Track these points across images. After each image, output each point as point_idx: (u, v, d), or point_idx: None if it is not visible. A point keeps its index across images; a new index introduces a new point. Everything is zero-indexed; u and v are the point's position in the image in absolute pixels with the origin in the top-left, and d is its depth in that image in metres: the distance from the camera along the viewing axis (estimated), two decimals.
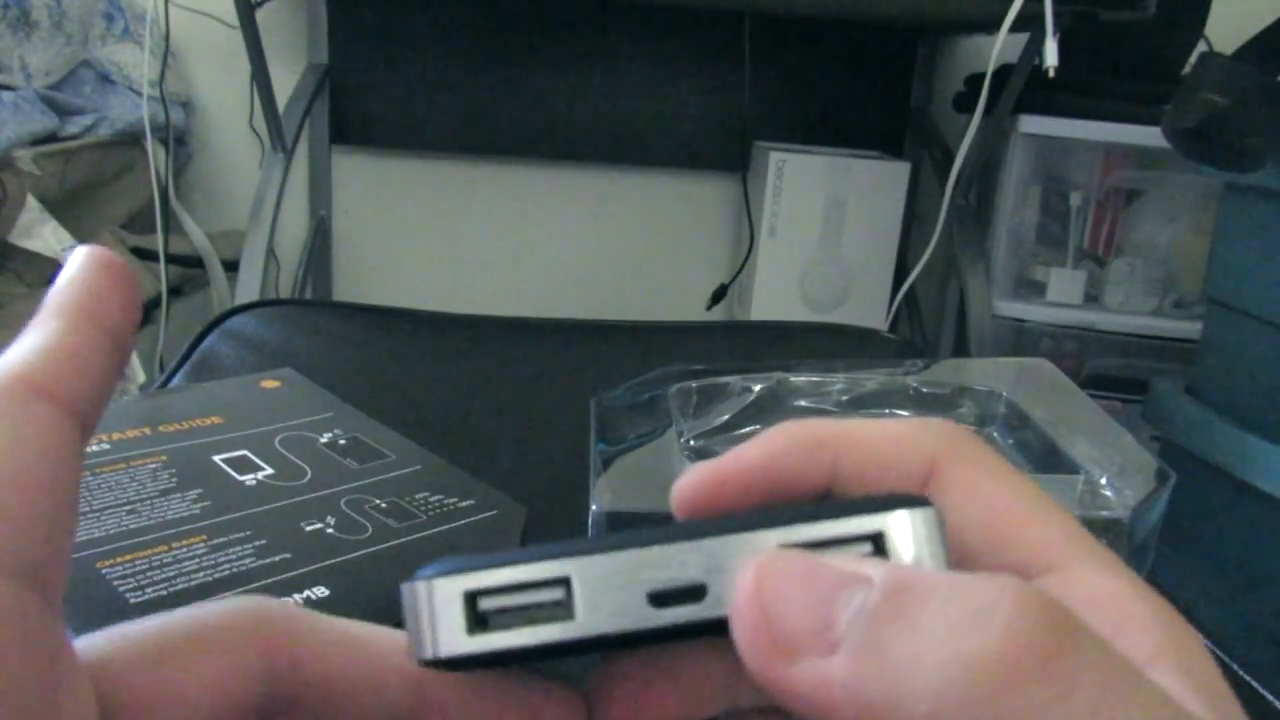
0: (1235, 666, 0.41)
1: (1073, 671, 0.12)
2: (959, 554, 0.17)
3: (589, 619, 0.15)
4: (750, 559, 0.15)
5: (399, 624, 0.17)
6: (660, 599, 0.15)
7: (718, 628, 0.15)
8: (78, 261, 0.18)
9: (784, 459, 0.18)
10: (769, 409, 0.52)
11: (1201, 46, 1.39)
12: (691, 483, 0.18)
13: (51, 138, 1.19)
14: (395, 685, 0.17)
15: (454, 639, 0.16)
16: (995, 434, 0.51)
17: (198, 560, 0.39)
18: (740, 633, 0.14)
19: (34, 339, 0.16)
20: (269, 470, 0.46)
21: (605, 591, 0.15)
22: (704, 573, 0.15)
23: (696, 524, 0.16)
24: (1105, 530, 0.40)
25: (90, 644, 0.16)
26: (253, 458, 0.48)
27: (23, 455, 0.14)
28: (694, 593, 0.15)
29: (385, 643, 0.18)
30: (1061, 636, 0.13)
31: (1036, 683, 0.12)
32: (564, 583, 0.15)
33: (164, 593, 0.37)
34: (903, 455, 0.18)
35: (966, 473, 0.18)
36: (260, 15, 1.23)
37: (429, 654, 0.16)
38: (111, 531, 0.40)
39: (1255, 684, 0.40)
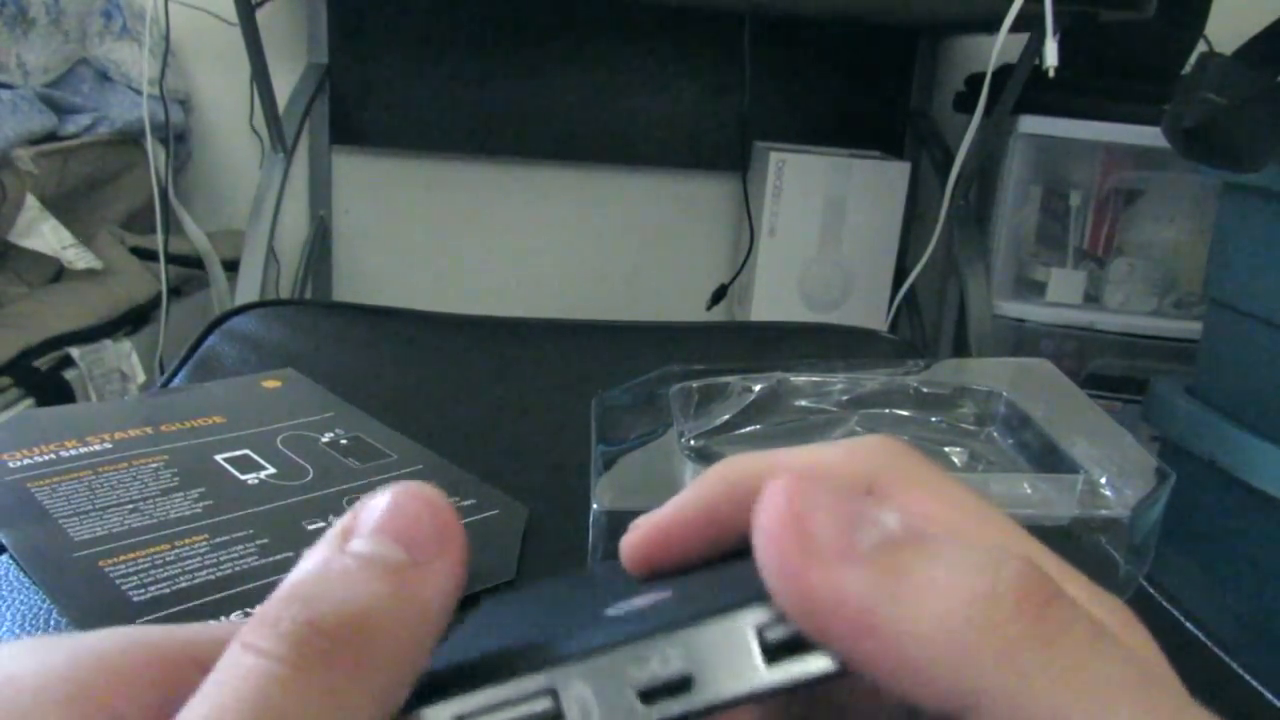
0: (1235, 666, 0.41)
1: (1059, 624, 0.14)
2: None
3: None
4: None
5: None
6: (649, 695, 0.15)
7: (710, 711, 0.15)
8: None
9: (719, 501, 0.18)
10: (769, 409, 0.52)
11: (1201, 46, 1.39)
12: (637, 541, 0.19)
13: (50, 137, 1.19)
14: None
15: None
16: (995, 434, 0.51)
17: (200, 559, 0.39)
18: (767, 540, 0.15)
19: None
20: (271, 469, 0.47)
21: (594, 697, 0.15)
22: (687, 664, 0.15)
23: (666, 606, 0.17)
24: (1105, 530, 0.40)
25: None
26: (254, 457, 0.48)
27: None
28: (683, 684, 0.15)
29: None
30: (1053, 597, 0.14)
31: (1028, 627, 0.14)
32: (550, 692, 0.16)
33: (166, 590, 0.37)
34: (838, 473, 0.18)
35: (905, 486, 0.18)
36: (260, 15, 1.23)
37: None
38: (114, 530, 0.40)
39: (1255, 684, 0.40)
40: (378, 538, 0.16)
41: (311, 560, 0.16)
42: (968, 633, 0.14)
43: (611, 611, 0.17)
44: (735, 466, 0.19)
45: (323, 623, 0.14)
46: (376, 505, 0.17)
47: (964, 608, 0.14)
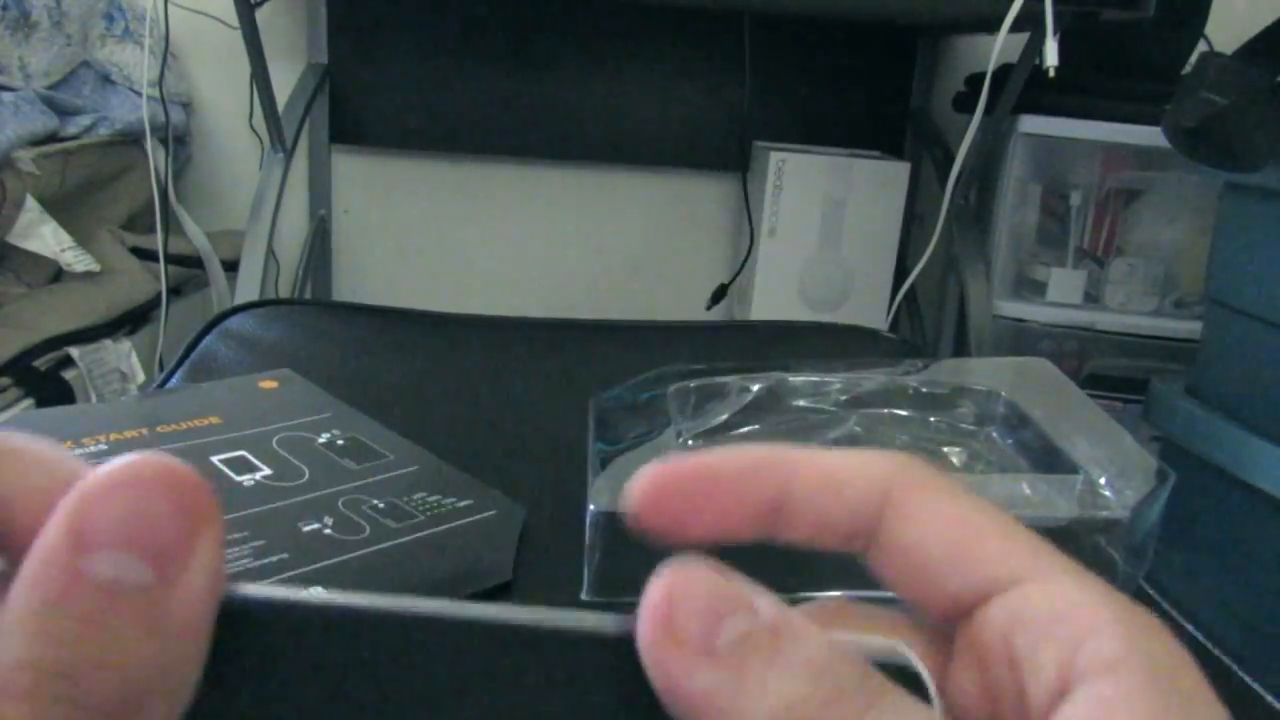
0: (1235, 666, 0.41)
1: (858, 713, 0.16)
2: (923, 575, 0.18)
3: None
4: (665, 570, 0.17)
5: None
6: None
7: None
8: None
9: (739, 471, 0.19)
10: (768, 409, 0.52)
11: (1201, 46, 1.39)
12: (653, 482, 0.19)
13: (51, 138, 1.19)
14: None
15: None
16: (995, 434, 0.51)
17: None
18: (645, 625, 0.16)
19: None
20: (267, 471, 0.46)
21: None
22: None
23: None
24: (1105, 530, 0.40)
25: None
26: (251, 458, 0.48)
27: None
28: None
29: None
30: (869, 696, 0.16)
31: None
32: None
33: None
34: (855, 482, 0.19)
35: (924, 496, 0.18)
36: (260, 15, 1.23)
37: None
38: None
39: (1255, 684, 0.40)
40: (117, 556, 0.14)
41: (46, 584, 0.14)
42: None
43: None
44: (759, 447, 0.19)
45: (81, 697, 0.13)
46: (110, 503, 0.14)
47: (786, 710, 0.16)
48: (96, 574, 0.14)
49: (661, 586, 0.16)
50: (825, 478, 0.19)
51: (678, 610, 0.16)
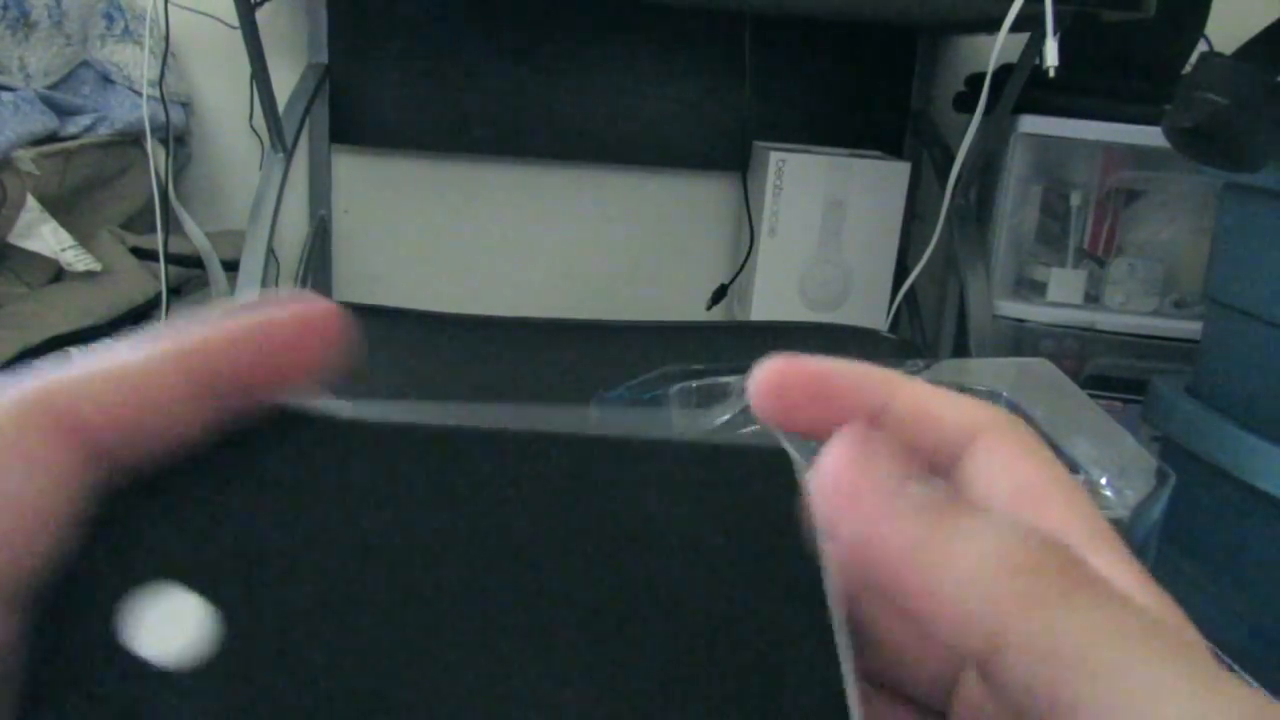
0: (1234, 667, 0.41)
1: (1078, 581, 0.15)
2: None
3: None
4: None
5: None
6: None
7: None
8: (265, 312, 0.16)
9: (851, 379, 0.20)
10: None
11: (1201, 46, 1.39)
12: (777, 370, 0.20)
13: (51, 138, 1.19)
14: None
15: None
16: None
17: None
18: (835, 473, 0.16)
19: (94, 363, 0.15)
20: None
21: None
22: None
23: None
24: None
25: None
26: None
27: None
28: None
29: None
30: (1073, 563, 0.15)
31: (1050, 582, 0.15)
32: None
33: None
34: (950, 416, 0.19)
35: (1006, 447, 0.19)
36: (260, 15, 1.23)
37: None
38: None
39: (1255, 684, 0.40)
40: None
41: None
42: (997, 581, 0.15)
43: None
44: (869, 365, 0.20)
45: None
46: None
47: (995, 560, 0.15)
48: None
49: (849, 439, 0.16)
50: (924, 406, 0.20)
51: (872, 458, 0.16)
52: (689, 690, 0.14)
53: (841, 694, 0.15)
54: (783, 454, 0.17)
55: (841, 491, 0.16)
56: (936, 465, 0.19)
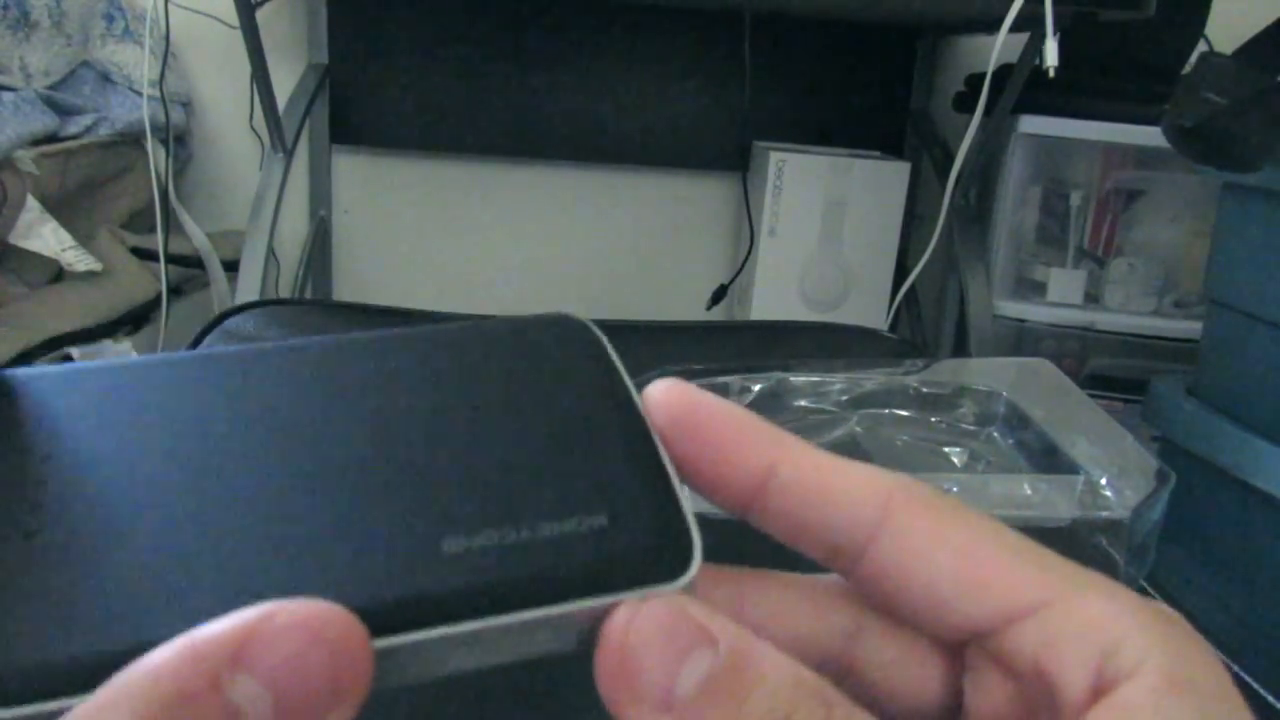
0: (1235, 667, 0.41)
1: None
2: (928, 601, 0.18)
3: None
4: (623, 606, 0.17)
5: None
6: None
7: None
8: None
9: (733, 425, 0.19)
10: (769, 409, 0.52)
11: (1201, 46, 1.39)
12: (673, 398, 0.19)
13: (52, 138, 1.19)
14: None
15: None
16: (995, 434, 0.51)
17: None
18: (603, 674, 0.16)
19: None
20: None
21: None
22: None
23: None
24: (1106, 531, 0.40)
25: None
26: None
27: None
28: None
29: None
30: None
31: None
32: None
33: None
34: (852, 494, 0.18)
35: (926, 517, 0.18)
36: (260, 15, 1.23)
37: None
38: None
39: (1255, 685, 0.40)
40: (257, 691, 0.14)
41: (182, 678, 0.14)
42: None
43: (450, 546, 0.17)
44: (760, 426, 0.19)
45: None
46: (284, 640, 0.14)
47: None
48: (232, 694, 0.14)
49: (620, 625, 0.16)
50: (816, 480, 0.18)
51: (636, 657, 0.16)
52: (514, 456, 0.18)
53: (653, 444, 0.18)
54: (586, 324, 0.19)
55: (611, 695, 0.16)
56: (839, 549, 0.18)
